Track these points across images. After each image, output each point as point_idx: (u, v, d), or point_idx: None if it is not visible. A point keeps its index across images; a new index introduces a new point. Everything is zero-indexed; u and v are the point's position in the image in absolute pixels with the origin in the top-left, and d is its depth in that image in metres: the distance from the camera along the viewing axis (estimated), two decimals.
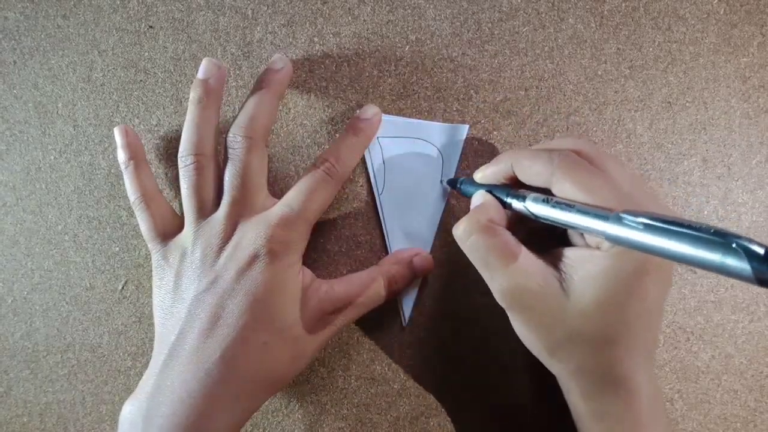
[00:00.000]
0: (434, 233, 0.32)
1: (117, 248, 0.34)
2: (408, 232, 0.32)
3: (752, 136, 0.32)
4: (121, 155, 0.31)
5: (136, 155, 0.31)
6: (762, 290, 0.32)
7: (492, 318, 0.31)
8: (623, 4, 0.32)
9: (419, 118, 0.33)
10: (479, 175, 0.29)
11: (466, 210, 0.32)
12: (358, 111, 0.32)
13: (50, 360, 0.34)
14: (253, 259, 0.27)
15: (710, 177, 0.32)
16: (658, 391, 0.25)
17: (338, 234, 0.33)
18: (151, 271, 0.30)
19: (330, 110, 0.33)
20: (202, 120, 0.30)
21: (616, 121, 0.32)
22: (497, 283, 0.25)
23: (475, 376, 0.33)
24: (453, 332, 0.33)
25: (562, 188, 0.24)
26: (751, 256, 0.16)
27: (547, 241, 0.27)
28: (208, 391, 0.26)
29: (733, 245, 0.16)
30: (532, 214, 0.25)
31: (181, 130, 0.30)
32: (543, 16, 0.32)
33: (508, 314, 0.26)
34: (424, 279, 0.33)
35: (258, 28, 0.33)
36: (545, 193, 0.25)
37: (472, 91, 0.33)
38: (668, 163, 0.32)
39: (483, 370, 0.33)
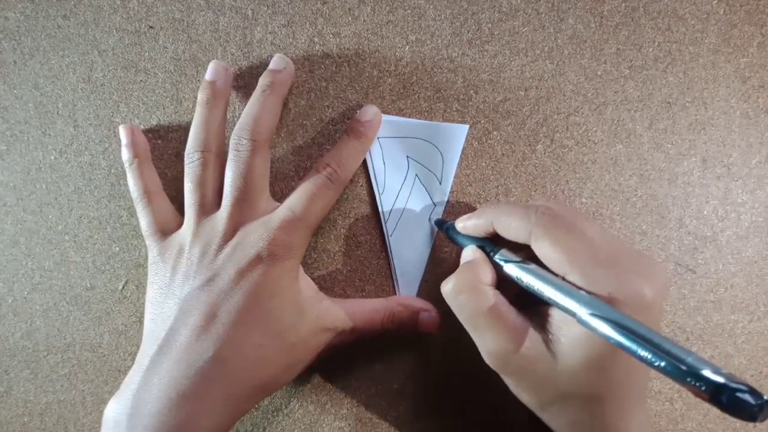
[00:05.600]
0: (434, 233, 0.33)
1: (117, 248, 0.34)
2: (408, 233, 0.33)
3: (752, 136, 0.32)
4: (125, 153, 0.32)
5: (140, 153, 0.32)
6: (762, 290, 0.32)
7: None
8: (623, 4, 0.32)
9: (419, 118, 0.33)
10: (460, 225, 0.28)
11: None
12: (357, 112, 0.32)
13: (51, 360, 0.34)
14: (254, 260, 0.27)
15: (710, 177, 0.32)
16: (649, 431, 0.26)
17: (338, 234, 0.33)
18: None
19: (330, 110, 0.33)
20: (209, 120, 0.30)
21: (616, 121, 0.32)
22: (485, 346, 0.25)
23: (475, 376, 0.33)
24: (453, 332, 0.33)
25: (541, 247, 0.24)
26: (708, 383, 0.17)
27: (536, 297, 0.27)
28: (198, 390, 0.26)
29: (687, 380, 0.17)
30: (518, 279, 0.25)
31: (181, 131, 0.30)
32: (543, 16, 0.32)
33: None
34: (423, 279, 0.33)
35: (258, 28, 0.33)
36: (528, 251, 0.25)
37: (472, 91, 0.33)
38: (668, 163, 0.32)
39: (483, 370, 0.33)
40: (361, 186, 0.33)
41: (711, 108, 0.32)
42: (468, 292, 0.25)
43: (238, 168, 0.29)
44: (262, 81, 0.31)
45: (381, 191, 0.33)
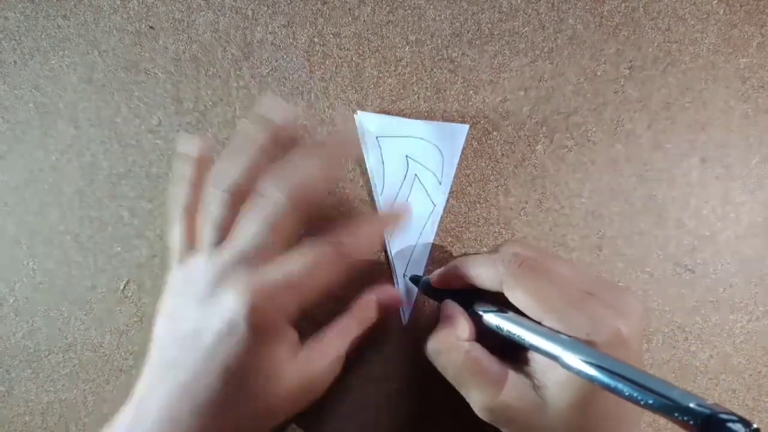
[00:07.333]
0: (434, 233, 0.33)
1: (119, 248, 0.34)
2: (408, 233, 0.33)
3: (751, 136, 0.32)
4: (188, 168, 0.28)
5: (202, 169, 0.28)
6: (761, 289, 0.32)
7: None
8: (623, 5, 0.32)
9: (419, 118, 0.33)
10: (435, 280, 0.29)
11: (465, 216, 0.33)
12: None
13: (52, 359, 0.34)
14: (232, 324, 0.24)
15: (709, 177, 0.32)
16: None
17: None
18: (152, 270, 0.31)
19: (330, 110, 0.33)
20: (256, 162, 0.27)
21: (615, 122, 0.32)
22: (474, 400, 0.25)
23: None
24: None
25: (514, 295, 0.24)
26: (696, 416, 0.17)
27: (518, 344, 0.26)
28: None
29: (675, 414, 0.18)
30: (497, 327, 0.25)
31: (182, 131, 0.30)
32: (543, 16, 0.32)
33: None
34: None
35: (258, 29, 0.33)
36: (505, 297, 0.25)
37: (471, 91, 0.33)
38: (667, 164, 0.32)
39: None
40: (361, 186, 0.33)
41: (710, 108, 0.32)
42: (447, 352, 0.26)
43: (265, 220, 0.25)
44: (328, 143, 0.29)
45: (381, 191, 0.33)
